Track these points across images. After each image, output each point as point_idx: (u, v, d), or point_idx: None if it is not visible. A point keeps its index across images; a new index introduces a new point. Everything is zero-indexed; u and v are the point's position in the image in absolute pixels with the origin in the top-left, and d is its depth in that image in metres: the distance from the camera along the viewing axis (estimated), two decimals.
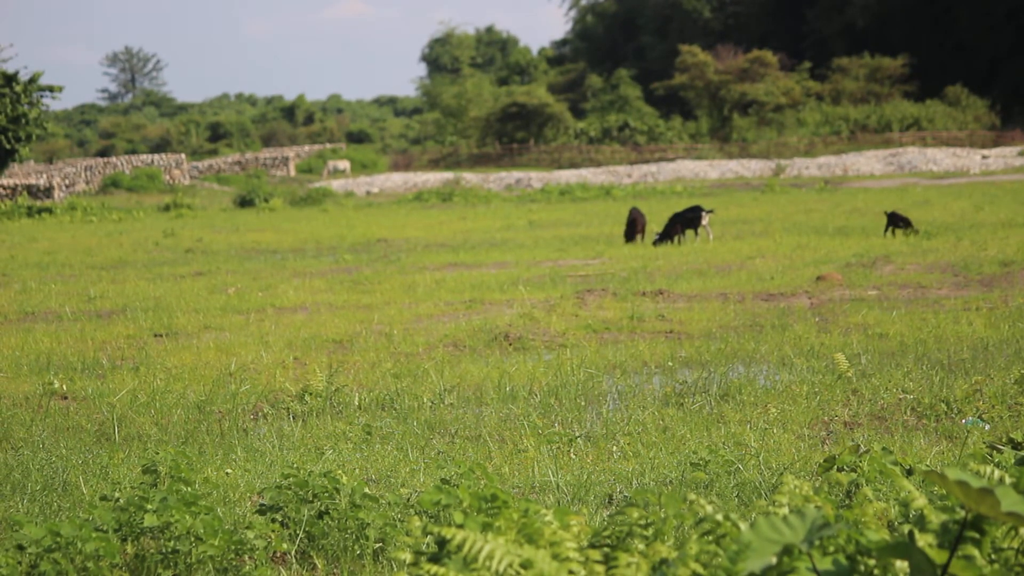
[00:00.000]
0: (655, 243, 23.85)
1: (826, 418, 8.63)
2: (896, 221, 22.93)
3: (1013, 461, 5.58)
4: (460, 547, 3.50)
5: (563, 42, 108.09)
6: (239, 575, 5.45)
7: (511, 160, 74.02)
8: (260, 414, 9.30)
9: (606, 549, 3.80)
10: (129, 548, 5.58)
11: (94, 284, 18.87)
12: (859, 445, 6.61)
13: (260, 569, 5.42)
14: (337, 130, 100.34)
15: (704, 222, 24.08)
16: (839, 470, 6.11)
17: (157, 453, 6.63)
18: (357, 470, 7.32)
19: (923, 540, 3.20)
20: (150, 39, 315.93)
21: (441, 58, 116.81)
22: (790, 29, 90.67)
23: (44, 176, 50.05)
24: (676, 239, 24.01)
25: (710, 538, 3.52)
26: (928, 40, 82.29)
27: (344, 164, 70.11)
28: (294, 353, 12.00)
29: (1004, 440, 6.80)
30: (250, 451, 8.05)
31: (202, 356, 11.87)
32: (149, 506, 5.54)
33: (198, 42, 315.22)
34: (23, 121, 45.83)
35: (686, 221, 24.08)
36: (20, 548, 5.27)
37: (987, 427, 8.05)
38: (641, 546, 3.79)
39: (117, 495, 5.97)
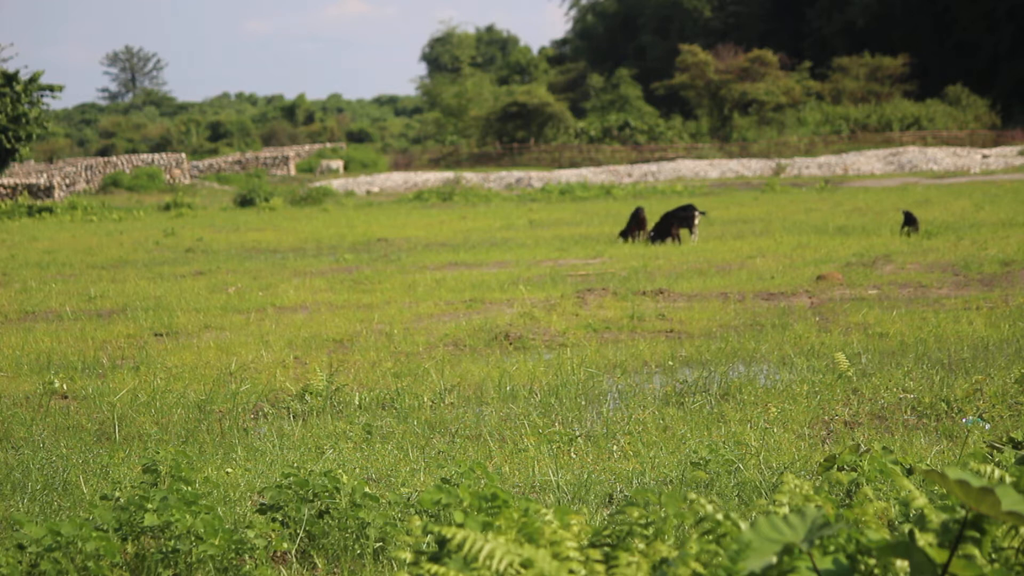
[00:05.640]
0: (651, 241, 23.86)
1: (826, 417, 8.63)
2: (912, 220, 22.86)
3: (1013, 460, 5.58)
4: (460, 546, 3.50)
5: (563, 41, 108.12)
6: (239, 574, 5.45)
7: (511, 159, 73.98)
8: (260, 413, 9.30)
9: (606, 548, 3.80)
10: (129, 547, 5.58)
11: (94, 283, 18.87)
12: (859, 444, 6.61)
13: (260, 568, 5.42)
14: (337, 129, 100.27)
15: (695, 222, 24.05)
16: (839, 469, 6.11)
17: (157, 452, 6.63)
18: (357, 469, 7.32)
19: (923, 539, 3.20)
20: (150, 39, 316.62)
21: (441, 57, 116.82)
22: (790, 29, 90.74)
23: (44, 175, 50.05)
24: (674, 238, 23.99)
25: (710, 537, 3.52)
26: (928, 40, 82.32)
27: (337, 163, 69.74)
28: (294, 352, 12.01)
29: (1004, 439, 6.80)
30: (250, 450, 8.05)
31: (202, 355, 11.87)
32: (149, 505, 5.54)
33: (198, 42, 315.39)
34: (23, 120, 45.84)
35: (679, 220, 24.04)
36: (20, 547, 5.27)
37: (987, 426, 8.05)
38: (641, 545, 3.79)
39: (117, 494, 5.97)
